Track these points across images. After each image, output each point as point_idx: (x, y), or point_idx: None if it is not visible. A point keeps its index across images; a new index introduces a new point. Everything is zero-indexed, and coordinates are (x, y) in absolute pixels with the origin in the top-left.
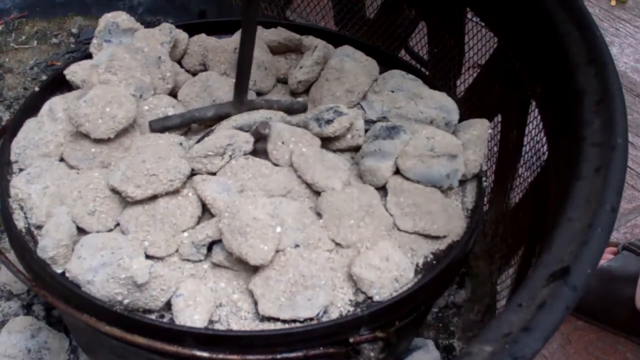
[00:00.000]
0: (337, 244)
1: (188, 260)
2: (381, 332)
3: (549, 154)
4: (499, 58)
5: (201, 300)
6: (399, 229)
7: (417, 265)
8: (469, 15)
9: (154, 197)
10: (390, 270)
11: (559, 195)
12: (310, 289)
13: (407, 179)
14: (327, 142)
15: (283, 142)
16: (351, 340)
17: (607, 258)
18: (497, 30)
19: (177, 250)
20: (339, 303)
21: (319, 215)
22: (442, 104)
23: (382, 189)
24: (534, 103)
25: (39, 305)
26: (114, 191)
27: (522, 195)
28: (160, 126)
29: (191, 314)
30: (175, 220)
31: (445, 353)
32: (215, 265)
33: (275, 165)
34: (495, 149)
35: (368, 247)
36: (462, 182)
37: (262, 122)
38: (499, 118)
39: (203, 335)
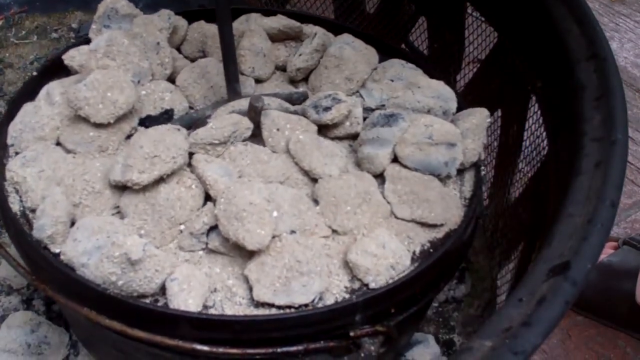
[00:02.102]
0: (334, 231)
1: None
2: (381, 327)
3: (549, 149)
4: (499, 53)
5: (195, 285)
6: (396, 217)
7: (413, 253)
8: (469, 10)
9: (157, 183)
10: (387, 258)
11: (559, 190)
12: (305, 275)
13: (405, 166)
14: (325, 129)
15: (278, 129)
16: (351, 334)
17: (607, 253)
18: (497, 26)
19: (172, 241)
20: (334, 290)
21: (316, 202)
22: (440, 92)
23: (380, 177)
24: (534, 98)
25: (39, 300)
26: (116, 186)
27: (522, 190)
28: None
29: (185, 299)
30: (174, 212)
31: (445, 348)
32: (211, 251)
33: (273, 152)
34: (496, 143)
35: (364, 234)
36: (460, 171)
37: (255, 96)
38: (499, 113)
39: (196, 320)
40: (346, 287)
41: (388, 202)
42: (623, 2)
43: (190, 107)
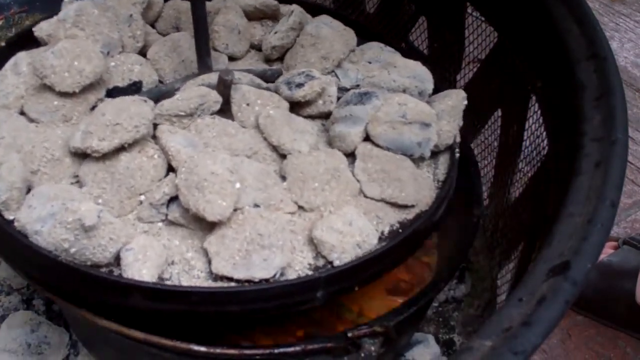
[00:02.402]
0: (300, 207)
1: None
2: (380, 327)
3: (549, 148)
4: (499, 53)
5: (151, 255)
6: (365, 196)
7: (382, 233)
8: (469, 10)
9: (118, 152)
10: (353, 235)
11: (559, 190)
12: (267, 249)
13: (377, 145)
14: (297, 107)
15: (248, 104)
16: (350, 334)
17: (607, 253)
18: (497, 25)
19: (132, 212)
20: (297, 266)
21: (284, 178)
22: (417, 73)
23: (352, 156)
24: (534, 98)
25: (39, 299)
26: (76, 154)
27: (522, 190)
28: None
29: (139, 269)
30: (134, 182)
31: (445, 348)
32: (171, 223)
33: (242, 127)
34: (496, 143)
35: (332, 212)
36: (435, 154)
37: (225, 70)
38: (499, 113)
39: (150, 290)
40: (310, 264)
41: (357, 181)
42: (623, 2)
43: (160, 81)
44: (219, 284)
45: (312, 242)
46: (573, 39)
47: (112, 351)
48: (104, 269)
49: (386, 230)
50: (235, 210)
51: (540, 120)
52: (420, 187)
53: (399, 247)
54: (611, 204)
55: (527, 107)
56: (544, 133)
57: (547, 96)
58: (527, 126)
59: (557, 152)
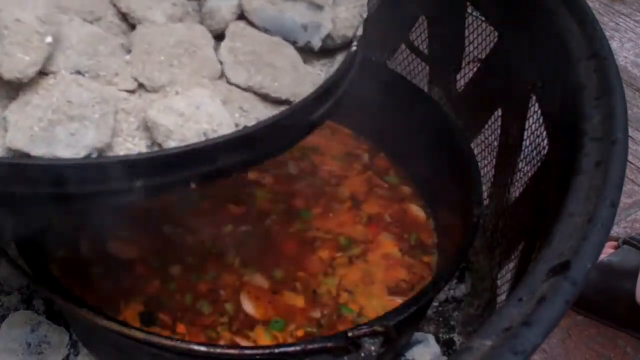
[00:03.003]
0: (141, 85)
1: None
2: (380, 327)
3: (549, 148)
4: (499, 53)
5: None
6: (229, 82)
7: (244, 128)
8: (469, 10)
9: None
10: (198, 121)
11: (559, 189)
12: (76, 121)
13: (252, 24)
14: None
15: None
16: (350, 334)
17: (607, 252)
18: (497, 25)
19: None
20: (122, 153)
21: (129, 52)
22: None
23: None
24: (534, 97)
25: (39, 299)
26: None
27: (522, 190)
28: None
29: None
30: None
31: (445, 347)
32: None
33: None
34: (495, 143)
35: (179, 93)
36: (332, 52)
37: None
38: (499, 112)
39: None
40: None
41: (220, 62)
42: (623, 2)
43: None
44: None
45: (148, 129)
46: (573, 39)
47: (112, 351)
48: None
49: (250, 125)
50: (47, 74)
51: (540, 120)
52: (301, 80)
53: (250, 138)
54: (611, 204)
55: (527, 107)
56: (544, 133)
57: (547, 96)
58: (527, 126)
59: (557, 152)
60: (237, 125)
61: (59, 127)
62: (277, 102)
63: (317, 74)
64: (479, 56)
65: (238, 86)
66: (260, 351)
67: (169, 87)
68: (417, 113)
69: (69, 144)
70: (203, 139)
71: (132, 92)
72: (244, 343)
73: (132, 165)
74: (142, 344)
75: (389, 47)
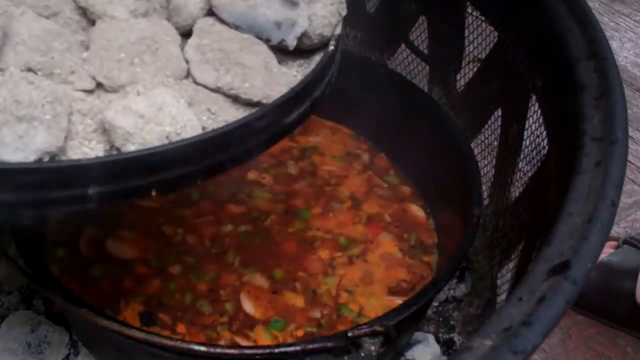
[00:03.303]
0: (99, 85)
1: None
2: (380, 327)
3: (549, 148)
4: (499, 52)
5: None
6: (195, 82)
7: (210, 131)
8: (469, 10)
9: None
10: (161, 124)
11: (559, 189)
12: (24, 122)
13: (222, 21)
14: None
15: None
16: (350, 334)
17: (607, 252)
18: (497, 25)
19: None
20: (77, 157)
21: (88, 49)
22: None
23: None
24: (534, 97)
25: (39, 299)
26: None
27: (522, 190)
28: None
29: None
30: None
31: (445, 347)
32: None
33: None
34: (495, 143)
35: (140, 92)
36: (309, 52)
37: None
38: (499, 112)
39: None
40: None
41: (186, 60)
42: (623, 2)
43: None
44: None
45: (106, 131)
46: (573, 39)
47: (112, 351)
48: None
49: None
50: None
51: (540, 120)
52: (273, 81)
53: (217, 142)
54: (611, 204)
55: (527, 106)
56: (544, 133)
57: (547, 96)
58: (527, 126)
59: (557, 151)
60: (204, 128)
61: (5, 129)
62: (248, 104)
63: (292, 75)
64: (479, 56)
65: (205, 86)
66: (260, 351)
67: (129, 86)
68: (417, 113)
69: (17, 148)
70: (165, 142)
71: (89, 92)
72: (244, 343)
73: (86, 171)
74: (142, 344)
75: (389, 47)
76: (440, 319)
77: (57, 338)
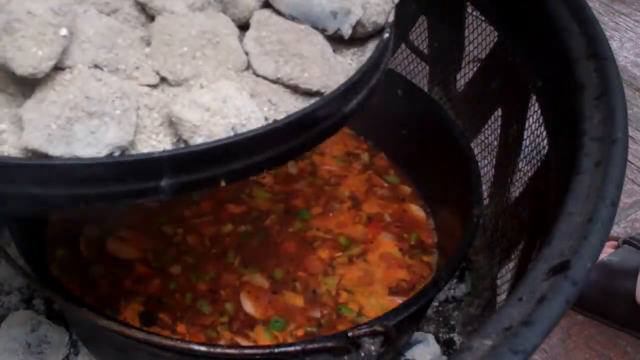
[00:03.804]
0: (163, 79)
1: None
2: (380, 326)
3: (549, 148)
4: (499, 52)
5: None
6: (255, 74)
7: (274, 122)
8: (469, 10)
9: None
10: (226, 116)
11: (559, 189)
12: (96, 118)
13: (279, 12)
14: None
15: None
16: (350, 334)
17: (607, 252)
18: (497, 25)
19: None
20: (146, 150)
21: (149, 45)
22: None
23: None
24: (534, 97)
25: (39, 299)
26: None
27: (522, 190)
28: None
29: None
30: None
31: (445, 347)
32: None
33: None
34: (495, 143)
35: (203, 86)
36: (363, 40)
37: None
38: (499, 112)
39: None
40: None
41: (246, 53)
42: (623, 1)
43: None
44: (33, 162)
45: (173, 124)
46: (573, 39)
47: (112, 351)
48: None
49: (280, 119)
50: (62, 69)
51: (540, 120)
52: (332, 71)
53: (281, 132)
54: (611, 203)
55: (527, 106)
56: (544, 133)
57: (547, 96)
58: (527, 126)
59: (557, 151)
60: (266, 119)
61: (78, 125)
62: (307, 93)
63: (348, 64)
64: (479, 56)
65: (266, 78)
66: (260, 351)
67: (193, 80)
68: (417, 113)
69: (89, 143)
70: (231, 134)
71: (154, 86)
72: (244, 343)
73: (160, 163)
74: (142, 344)
75: None
76: (440, 319)
77: (57, 338)
